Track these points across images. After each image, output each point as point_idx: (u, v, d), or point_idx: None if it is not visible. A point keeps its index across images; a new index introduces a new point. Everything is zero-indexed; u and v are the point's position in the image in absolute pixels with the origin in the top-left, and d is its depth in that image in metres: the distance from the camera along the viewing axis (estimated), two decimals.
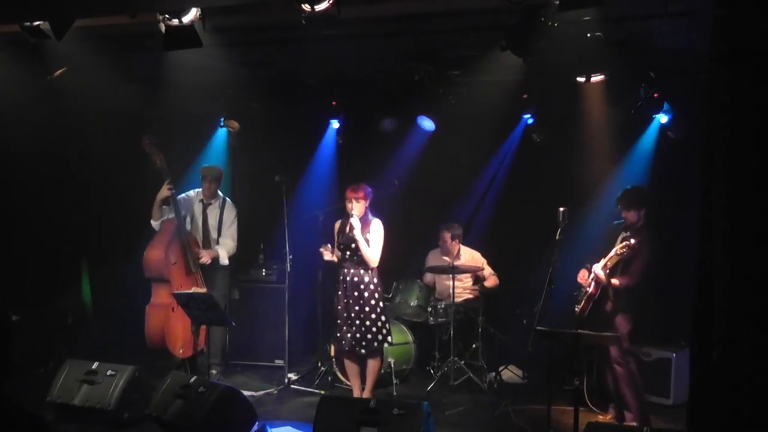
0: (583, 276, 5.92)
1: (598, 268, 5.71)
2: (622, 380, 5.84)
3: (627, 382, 5.82)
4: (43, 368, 6.78)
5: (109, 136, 7.11)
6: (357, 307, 6.20)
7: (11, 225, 7.06)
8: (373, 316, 6.21)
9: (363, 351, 6.21)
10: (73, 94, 6.70)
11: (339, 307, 6.26)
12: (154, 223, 6.88)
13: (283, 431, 5.71)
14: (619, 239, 5.82)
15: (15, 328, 6.76)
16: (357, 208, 6.13)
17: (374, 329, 6.20)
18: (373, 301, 6.22)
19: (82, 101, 6.81)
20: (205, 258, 6.89)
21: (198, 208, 7.14)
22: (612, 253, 5.68)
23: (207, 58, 6.15)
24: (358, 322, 6.19)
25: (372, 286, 6.24)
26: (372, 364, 6.30)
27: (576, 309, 5.83)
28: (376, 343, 6.21)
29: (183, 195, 7.09)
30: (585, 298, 5.79)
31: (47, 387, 5.73)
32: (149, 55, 6.34)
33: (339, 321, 6.25)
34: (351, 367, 6.38)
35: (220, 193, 7.24)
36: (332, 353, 6.96)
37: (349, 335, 6.19)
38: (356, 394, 6.33)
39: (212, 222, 7.15)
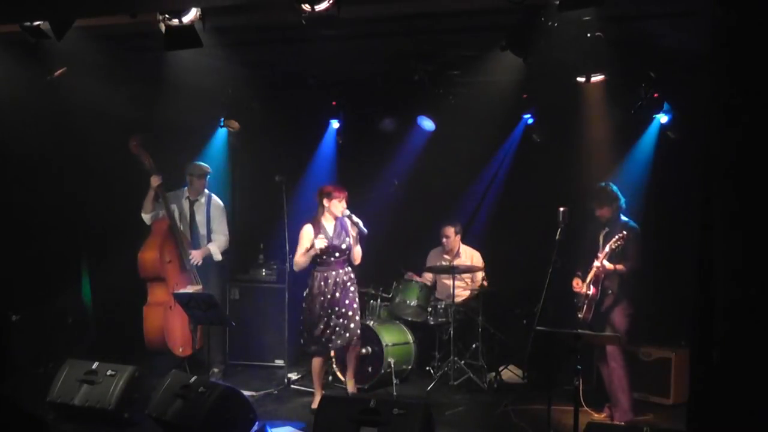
0: (577, 284, 5.94)
1: (603, 263, 5.71)
2: (613, 377, 5.88)
3: (617, 379, 5.86)
4: (43, 368, 6.77)
5: (109, 135, 7.10)
6: (347, 305, 6.25)
7: (11, 225, 7.05)
8: (358, 310, 6.40)
9: (352, 344, 6.30)
10: (72, 94, 6.70)
11: (320, 312, 6.19)
12: (145, 216, 6.92)
13: (283, 431, 5.71)
14: (601, 237, 5.89)
15: (15, 328, 6.80)
16: (345, 207, 6.21)
17: (358, 320, 6.37)
18: (356, 296, 6.39)
19: (81, 101, 6.81)
20: (197, 259, 6.92)
21: (185, 205, 7.16)
22: (606, 249, 5.71)
23: (207, 58, 6.14)
24: (349, 321, 6.24)
25: (356, 281, 6.40)
26: (355, 354, 6.44)
27: (579, 316, 5.83)
28: (359, 332, 6.38)
29: (170, 193, 7.11)
30: (586, 302, 5.80)
31: (47, 387, 5.71)
32: (149, 55, 6.34)
33: (321, 326, 6.19)
34: (320, 365, 6.40)
35: (206, 190, 7.24)
36: (332, 353, 6.96)
37: (337, 335, 6.21)
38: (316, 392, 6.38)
39: (200, 218, 7.15)
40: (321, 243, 6.12)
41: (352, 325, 6.27)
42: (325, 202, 6.20)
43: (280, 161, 7.80)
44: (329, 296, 6.20)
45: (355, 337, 6.31)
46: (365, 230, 6.21)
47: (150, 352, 6.73)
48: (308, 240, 6.20)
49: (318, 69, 7.20)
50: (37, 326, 7.03)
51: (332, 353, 6.93)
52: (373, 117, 7.96)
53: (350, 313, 6.26)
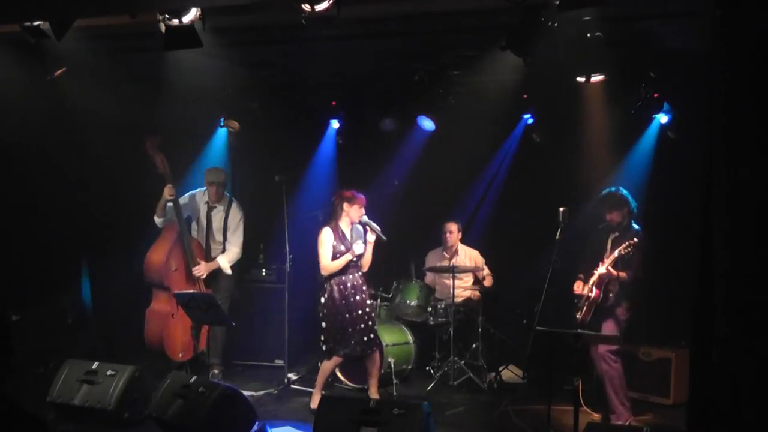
0: (579, 287, 5.94)
1: (609, 269, 5.71)
2: (605, 379, 5.88)
3: (609, 381, 5.86)
4: (43, 368, 6.77)
5: (109, 135, 7.10)
6: (365, 308, 6.23)
7: (11, 225, 7.05)
8: (373, 314, 6.35)
9: (374, 348, 6.26)
10: (73, 94, 6.70)
11: (347, 315, 6.15)
12: (158, 220, 6.86)
13: (283, 431, 5.71)
14: (610, 241, 5.89)
15: (15, 328, 6.79)
16: (363, 213, 6.20)
17: (374, 326, 6.31)
18: (370, 301, 6.37)
19: (81, 101, 6.81)
20: (202, 272, 6.77)
21: (203, 210, 7.09)
22: (615, 254, 5.70)
23: (207, 58, 6.14)
24: (369, 322, 6.23)
25: (366, 287, 6.35)
26: (377, 360, 6.34)
27: (577, 317, 5.83)
28: (378, 339, 6.34)
29: (188, 194, 7.06)
30: (587, 304, 5.79)
31: (47, 387, 5.70)
32: (149, 55, 6.34)
33: (350, 329, 6.15)
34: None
35: (226, 194, 7.19)
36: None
37: (361, 337, 6.17)
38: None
39: (216, 225, 7.07)
40: (359, 248, 6.12)
41: (374, 328, 6.28)
42: (345, 206, 6.18)
43: (280, 161, 7.80)
44: (351, 300, 6.17)
45: (378, 339, 6.32)
46: (384, 237, 6.20)
47: (150, 352, 6.72)
48: (330, 244, 6.14)
49: (318, 69, 7.19)
50: (37, 326, 7.03)
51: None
52: (373, 117, 7.96)
53: (366, 317, 6.23)
